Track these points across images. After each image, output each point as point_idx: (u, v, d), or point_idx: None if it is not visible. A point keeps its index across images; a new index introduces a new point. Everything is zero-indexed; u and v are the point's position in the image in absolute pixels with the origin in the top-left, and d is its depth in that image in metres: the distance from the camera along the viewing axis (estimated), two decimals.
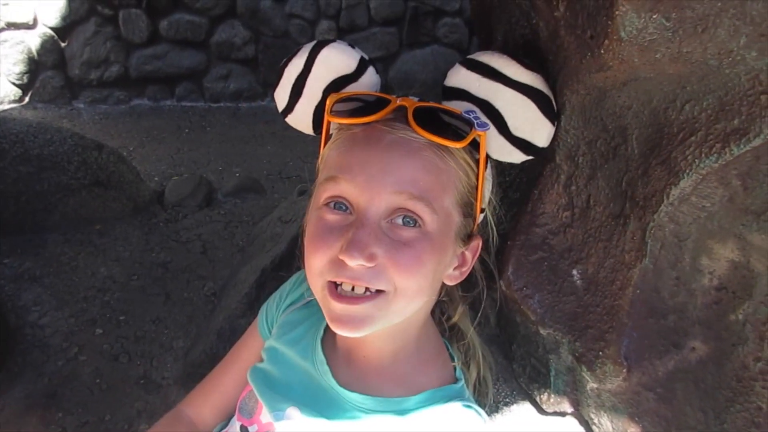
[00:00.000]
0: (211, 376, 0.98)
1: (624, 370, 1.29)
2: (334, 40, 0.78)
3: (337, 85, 0.76)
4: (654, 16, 0.79)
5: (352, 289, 0.67)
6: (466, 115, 0.68)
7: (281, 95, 0.81)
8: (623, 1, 0.80)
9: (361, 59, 0.76)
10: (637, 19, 0.80)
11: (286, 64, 0.78)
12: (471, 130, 0.66)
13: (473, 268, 0.81)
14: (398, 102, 0.68)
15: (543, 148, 0.75)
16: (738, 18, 0.76)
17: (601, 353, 1.31)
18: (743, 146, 0.89)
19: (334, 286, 0.67)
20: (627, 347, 1.28)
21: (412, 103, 0.67)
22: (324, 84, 0.77)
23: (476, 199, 0.72)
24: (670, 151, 1.02)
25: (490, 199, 0.80)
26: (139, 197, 2.97)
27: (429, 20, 5.22)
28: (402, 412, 0.75)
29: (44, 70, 4.38)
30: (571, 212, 1.30)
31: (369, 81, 0.76)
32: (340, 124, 0.71)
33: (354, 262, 0.63)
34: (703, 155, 0.96)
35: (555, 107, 0.74)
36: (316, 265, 0.68)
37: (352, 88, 0.75)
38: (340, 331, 0.69)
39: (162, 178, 3.55)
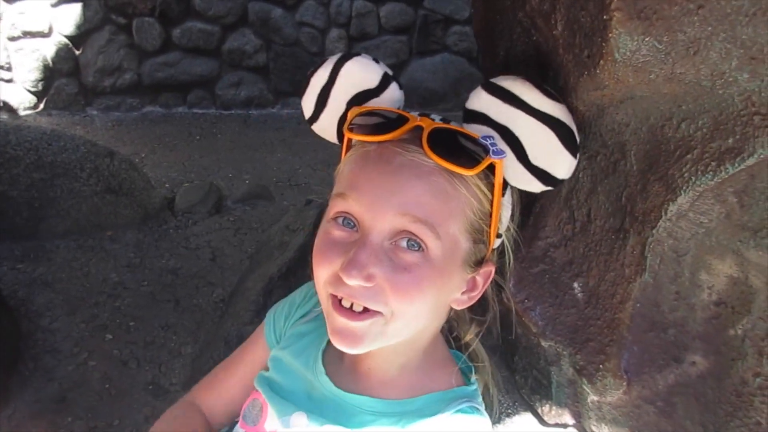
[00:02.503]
0: (217, 376, 0.98)
1: (624, 384, 1.30)
2: (359, 54, 0.77)
3: (360, 98, 0.75)
4: (646, 39, 0.81)
5: (351, 306, 0.68)
6: (483, 141, 0.67)
7: (308, 104, 0.81)
8: (617, 24, 0.82)
9: (384, 74, 0.75)
10: (630, 41, 0.82)
11: (312, 74, 0.79)
12: (485, 156, 0.65)
13: (486, 292, 0.79)
14: (417, 122, 0.67)
15: (563, 180, 0.72)
16: (729, 41, 0.77)
17: (601, 366, 1.32)
18: (738, 165, 0.90)
19: (338, 300, 0.68)
20: (627, 361, 1.29)
21: (429, 123, 0.67)
22: (347, 97, 0.76)
23: (489, 226, 0.70)
24: (667, 167, 1.03)
25: (508, 225, 0.78)
26: (150, 204, 3.01)
27: (439, 28, 5.24)
28: (407, 414, 0.75)
29: (59, 77, 4.46)
30: (572, 226, 1.31)
31: (391, 96, 0.75)
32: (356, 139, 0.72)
33: (351, 281, 0.64)
34: (699, 173, 0.97)
35: (577, 139, 0.70)
36: (321, 277, 0.69)
37: (374, 103, 0.75)
38: (339, 346, 0.70)
39: (173, 184, 3.60)
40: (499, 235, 0.74)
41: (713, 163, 0.94)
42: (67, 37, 4.42)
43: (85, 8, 4.38)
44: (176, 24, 4.64)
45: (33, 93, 4.41)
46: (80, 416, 1.92)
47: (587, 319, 1.33)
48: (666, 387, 1.28)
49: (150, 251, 2.77)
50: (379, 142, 0.67)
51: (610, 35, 0.82)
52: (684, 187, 1.02)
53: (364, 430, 0.75)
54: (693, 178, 0.99)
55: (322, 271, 0.69)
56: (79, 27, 4.42)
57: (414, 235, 0.64)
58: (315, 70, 0.78)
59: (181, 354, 2.22)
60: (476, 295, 0.75)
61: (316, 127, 0.82)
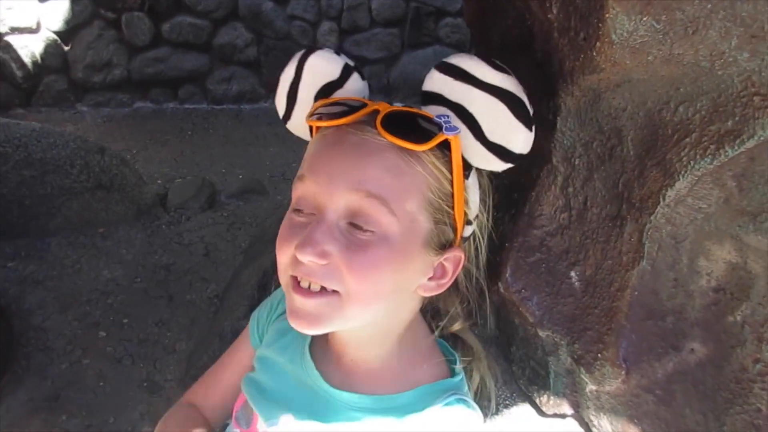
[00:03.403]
0: (207, 378, 0.98)
1: (623, 372, 1.29)
2: (321, 48, 0.77)
3: (325, 91, 0.75)
4: (644, 19, 0.79)
5: (309, 286, 0.67)
6: (437, 120, 0.67)
7: (280, 103, 0.82)
8: (614, 3, 0.80)
9: (345, 65, 0.75)
10: (627, 21, 0.80)
11: (280, 73, 0.79)
12: (438, 133, 0.65)
13: (460, 282, 0.78)
14: (375, 106, 0.68)
15: (521, 155, 0.72)
16: (728, 20, 0.76)
17: (599, 355, 1.31)
18: (737, 147, 0.89)
19: (297, 281, 0.67)
20: (625, 349, 1.28)
21: (386, 107, 0.67)
22: (314, 91, 0.76)
23: (453, 208, 0.70)
24: (665, 152, 1.02)
25: (480, 214, 0.78)
26: (142, 200, 2.98)
27: (431, 21, 5.21)
28: (397, 410, 0.74)
29: (48, 73, 4.40)
30: (569, 214, 1.30)
31: (354, 87, 0.75)
32: (318, 127, 0.71)
33: (305, 258, 0.64)
34: (697, 157, 0.96)
35: (530, 111, 0.69)
36: (282, 262, 0.69)
37: (338, 94, 0.75)
38: (296, 326, 0.69)
39: (165, 180, 3.56)
40: (469, 222, 0.73)
41: (712, 147, 0.93)
42: (55, 32, 4.36)
43: (73, 3, 4.32)
44: (166, 19, 4.59)
45: (22, 89, 4.35)
46: (75, 414, 1.90)
47: (585, 308, 1.32)
48: (665, 375, 1.27)
49: (143, 248, 2.74)
50: (337, 126, 0.68)
51: (607, 15, 0.81)
52: (682, 172, 1.01)
53: (352, 425, 0.74)
54: (691, 163, 0.98)
55: (283, 256, 0.69)
56: (67, 22, 4.36)
57: (367, 213, 0.64)
58: (283, 68, 0.78)
59: (176, 350, 2.20)
60: (446, 282, 0.73)
61: (290, 125, 0.82)
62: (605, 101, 1.08)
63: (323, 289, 0.66)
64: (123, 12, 4.46)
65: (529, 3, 1.09)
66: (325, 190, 0.65)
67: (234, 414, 0.85)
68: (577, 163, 1.22)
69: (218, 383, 0.96)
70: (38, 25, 4.32)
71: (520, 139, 0.69)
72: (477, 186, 0.74)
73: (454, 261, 0.73)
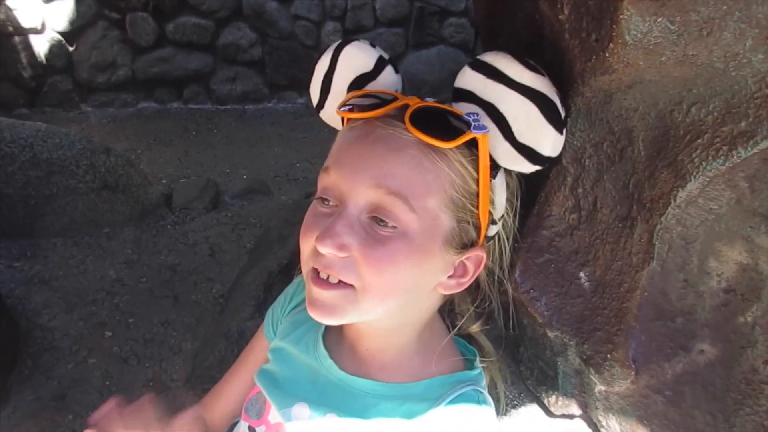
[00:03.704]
0: (223, 380, 0.99)
1: (632, 373, 1.29)
2: (357, 39, 0.77)
3: (358, 83, 0.76)
4: (658, 20, 0.79)
5: (327, 277, 0.67)
6: (466, 117, 0.66)
7: (314, 92, 0.82)
8: (628, 4, 0.80)
9: (380, 58, 0.75)
10: (641, 22, 0.80)
11: (316, 62, 0.79)
12: (466, 131, 0.65)
13: (482, 281, 0.78)
14: (405, 100, 0.67)
15: (550, 158, 0.71)
16: (743, 21, 0.75)
17: (608, 356, 1.31)
18: (750, 149, 0.89)
19: (317, 273, 0.67)
20: (635, 350, 1.28)
21: (417, 102, 0.67)
22: (347, 82, 0.76)
23: (477, 207, 0.70)
24: (676, 153, 1.01)
25: (506, 216, 0.77)
26: (147, 200, 2.99)
27: (435, 20, 5.21)
28: (411, 398, 0.74)
29: (52, 74, 4.41)
30: (578, 214, 1.30)
31: (388, 80, 0.75)
32: (348, 119, 0.71)
33: (324, 250, 0.64)
34: (710, 158, 0.96)
35: (561, 113, 0.68)
36: (304, 252, 0.70)
37: (371, 87, 0.75)
38: (313, 315, 0.70)
39: (169, 180, 3.57)
40: (494, 222, 0.73)
41: (724, 148, 0.93)
42: (60, 33, 4.37)
43: (77, 4, 4.33)
44: (170, 19, 4.60)
45: (27, 90, 4.36)
46: (81, 414, 1.90)
47: (594, 308, 1.32)
48: (674, 376, 1.27)
49: (148, 248, 2.75)
50: (366, 119, 0.68)
51: (621, 17, 0.80)
52: (694, 173, 1.00)
53: (367, 412, 0.74)
54: (703, 164, 0.98)
55: (306, 245, 0.69)
56: (72, 23, 4.37)
57: (388, 209, 0.64)
58: (318, 58, 0.79)
59: (182, 350, 2.20)
60: (466, 281, 0.73)
61: (324, 115, 0.83)
62: (616, 102, 1.07)
63: (341, 281, 0.66)
64: (127, 12, 4.47)
65: (540, 4, 1.09)
66: (348, 183, 0.65)
67: (244, 406, 0.86)
68: (587, 163, 1.22)
69: (229, 391, 0.96)
70: (43, 25, 4.33)
71: (549, 141, 0.69)
72: (504, 186, 0.73)
73: (475, 261, 0.72)
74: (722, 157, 0.94)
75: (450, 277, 0.72)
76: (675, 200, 1.07)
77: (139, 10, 4.48)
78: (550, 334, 1.38)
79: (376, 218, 0.65)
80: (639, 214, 1.17)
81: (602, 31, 0.89)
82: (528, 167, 0.71)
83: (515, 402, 1.51)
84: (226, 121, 4.72)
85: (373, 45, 0.76)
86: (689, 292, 1.21)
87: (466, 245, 0.71)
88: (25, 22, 4.23)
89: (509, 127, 0.68)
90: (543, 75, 0.68)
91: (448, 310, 0.84)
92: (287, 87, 4.94)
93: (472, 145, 0.66)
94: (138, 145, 4.11)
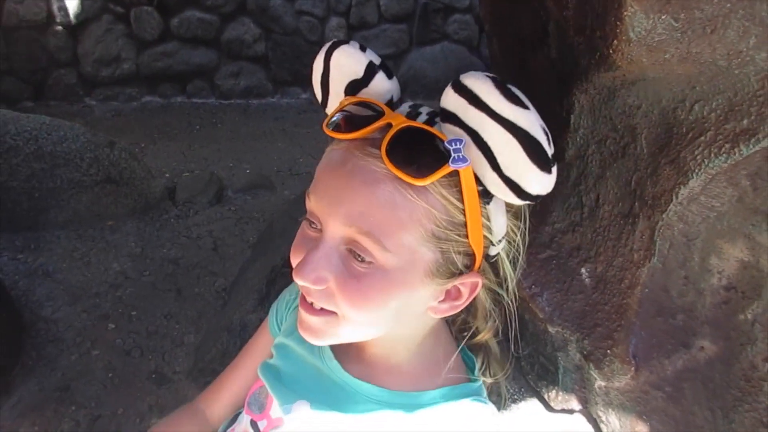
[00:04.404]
0: (224, 374, 0.99)
1: (632, 369, 1.30)
2: (347, 42, 0.72)
3: (353, 86, 0.72)
4: (663, 17, 0.79)
5: (312, 303, 0.67)
6: (448, 146, 0.61)
7: (316, 89, 0.79)
8: (632, 2, 0.80)
9: (369, 64, 0.71)
10: (645, 19, 0.81)
11: (313, 62, 0.77)
12: (444, 164, 0.60)
13: (484, 300, 0.75)
14: (388, 119, 0.63)
15: (539, 196, 0.64)
16: (747, 19, 0.76)
17: (609, 351, 1.32)
18: (753, 146, 0.89)
19: (304, 296, 0.68)
20: (635, 346, 1.29)
21: (401, 121, 0.62)
22: (343, 85, 0.73)
23: (466, 236, 0.65)
24: (679, 150, 1.02)
25: (510, 238, 0.70)
26: (151, 194, 2.99)
27: (439, 17, 5.20)
28: (413, 407, 0.74)
29: (57, 67, 4.42)
30: (581, 211, 1.30)
31: (380, 87, 0.71)
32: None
33: (301, 282, 0.64)
34: (712, 155, 0.96)
35: (548, 152, 0.61)
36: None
37: (364, 94, 0.71)
38: (303, 336, 0.71)
39: (173, 174, 3.58)
40: (493, 244, 0.69)
41: (727, 145, 0.93)
42: (65, 26, 4.38)
43: None
44: (174, 13, 4.60)
45: (31, 83, 4.37)
46: (84, 405, 1.91)
47: (595, 304, 1.33)
48: (674, 372, 1.28)
49: (151, 241, 2.76)
50: (348, 141, 0.65)
51: (625, 14, 0.81)
52: (696, 171, 1.01)
53: (368, 416, 0.74)
54: (705, 161, 0.98)
55: (294, 264, 0.69)
56: (77, 16, 4.38)
57: (363, 247, 0.62)
58: (314, 58, 0.76)
59: (184, 343, 2.21)
60: (460, 305, 0.70)
61: (329, 111, 0.80)
62: (620, 99, 1.08)
63: (323, 309, 0.66)
64: (132, 6, 4.47)
65: (545, 1, 1.09)
66: (324, 216, 0.65)
67: (246, 400, 0.86)
68: (590, 160, 1.23)
69: (230, 384, 0.97)
70: (48, 18, 4.33)
71: (533, 179, 0.63)
72: (502, 209, 0.69)
73: (470, 286, 0.69)
74: (724, 155, 0.94)
75: (442, 301, 0.70)
76: (677, 197, 1.08)
77: (143, 5, 4.49)
78: (551, 329, 1.39)
79: (352, 251, 0.64)
80: (641, 210, 1.18)
81: (607, 27, 0.90)
82: (516, 201, 0.65)
83: (516, 397, 1.52)
84: (230, 115, 4.72)
85: (363, 49, 0.72)
86: (690, 289, 1.22)
87: (455, 273, 0.68)
88: (30, 15, 4.23)
89: (494, 158, 0.63)
90: (526, 108, 0.61)
91: (458, 320, 0.83)
92: (291, 82, 4.94)
93: (456, 174, 0.62)
94: (142, 139, 4.11)
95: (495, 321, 0.79)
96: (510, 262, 0.73)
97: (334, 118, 0.68)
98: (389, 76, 0.72)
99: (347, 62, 0.71)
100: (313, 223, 0.66)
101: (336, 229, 0.63)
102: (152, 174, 3.12)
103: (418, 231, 0.62)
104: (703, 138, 0.97)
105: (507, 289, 0.76)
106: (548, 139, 0.62)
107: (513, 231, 0.71)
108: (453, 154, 0.60)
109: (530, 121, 0.61)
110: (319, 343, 0.71)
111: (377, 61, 0.71)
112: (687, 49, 0.83)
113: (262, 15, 4.83)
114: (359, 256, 0.63)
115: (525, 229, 0.73)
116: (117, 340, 2.18)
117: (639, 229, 1.20)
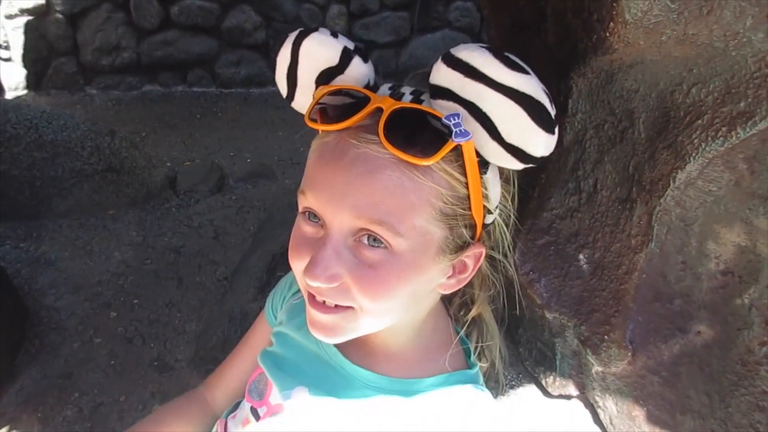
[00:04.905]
0: (225, 361, 1.00)
1: (629, 354, 1.30)
2: (316, 29, 0.70)
3: (326, 75, 0.70)
4: None
5: (324, 301, 0.66)
6: (446, 121, 0.60)
7: (281, 83, 0.76)
8: None
9: (344, 50, 0.68)
10: (641, 1, 0.80)
11: (277, 54, 0.75)
12: (447, 140, 0.59)
13: (484, 267, 0.75)
14: (377, 103, 0.62)
15: (543, 157, 0.65)
16: None
17: (606, 337, 1.32)
18: (749, 129, 0.88)
19: (313, 296, 0.66)
20: (632, 331, 1.29)
21: (390, 104, 0.61)
22: (314, 75, 0.70)
23: (470, 209, 0.66)
24: (676, 134, 1.01)
25: (502, 204, 0.71)
26: (152, 183, 3.00)
27: (440, 4, 5.17)
28: (411, 393, 0.75)
29: (57, 56, 4.41)
30: (578, 197, 1.30)
31: (357, 72, 0.69)
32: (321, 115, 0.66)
33: (314, 283, 0.62)
34: (709, 139, 0.96)
35: (551, 113, 0.62)
36: (296, 270, 0.68)
37: (339, 81, 0.69)
38: (316, 335, 0.69)
39: (174, 163, 3.58)
40: (490, 212, 0.69)
41: (724, 129, 0.93)
42: (64, 15, 4.37)
43: None
44: (175, 1, 4.58)
45: (31, 72, 4.37)
46: (86, 392, 1.93)
47: (592, 290, 1.33)
48: (671, 357, 1.28)
49: (152, 230, 2.76)
50: (339, 131, 0.63)
51: None
52: (693, 154, 1.01)
53: (366, 401, 0.75)
54: (703, 145, 0.98)
55: (297, 265, 0.67)
56: (76, 5, 4.36)
57: (374, 233, 0.61)
58: (279, 49, 0.72)
59: (185, 331, 2.22)
60: (466, 277, 0.70)
61: (295, 105, 0.77)
62: (617, 83, 1.07)
63: (338, 305, 0.65)
64: None
65: None
66: (328, 211, 0.63)
67: (247, 387, 0.87)
68: (587, 145, 1.22)
69: (231, 371, 0.97)
70: (48, 7, 4.32)
71: (540, 142, 0.63)
72: (497, 177, 0.70)
73: (474, 257, 0.70)
74: (721, 138, 0.94)
75: (450, 276, 0.70)
76: (674, 182, 1.08)
77: None
78: (549, 315, 1.39)
79: (362, 241, 0.62)
80: (639, 195, 1.17)
81: (603, 10, 0.89)
82: (519, 165, 0.65)
83: (513, 383, 1.53)
84: (231, 104, 4.71)
85: (335, 35, 0.70)
86: (687, 274, 1.22)
87: (461, 247, 0.68)
88: (30, 3, 4.22)
89: (495, 128, 0.63)
90: (527, 73, 0.61)
91: (453, 296, 0.83)
92: None
93: (457, 149, 0.62)
94: (143, 128, 4.11)
95: (490, 290, 0.79)
96: (505, 225, 0.73)
97: (315, 108, 0.66)
98: (365, 60, 0.70)
99: (320, 50, 0.69)
100: (313, 218, 0.65)
101: (343, 223, 0.62)
102: (153, 163, 3.12)
103: (428, 211, 0.62)
104: (700, 121, 0.96)
105: (504, 254, 0.76)
106: (550, 99, 0.62)
107: (504, 196, 0.72)
108: (454, 129, 0.60)
109: (533, 85, 0.61)
110: (335, 341, 0.69)
111: (351, 46, 0.70)
112: (683, 30, 0.82)
113: (263, 3, 4.80)
114: (375, 242, 0.61)
115: (515, 191, 0.73)
116: (119, 328, 2.20)
117: (637, 214, 1.20)
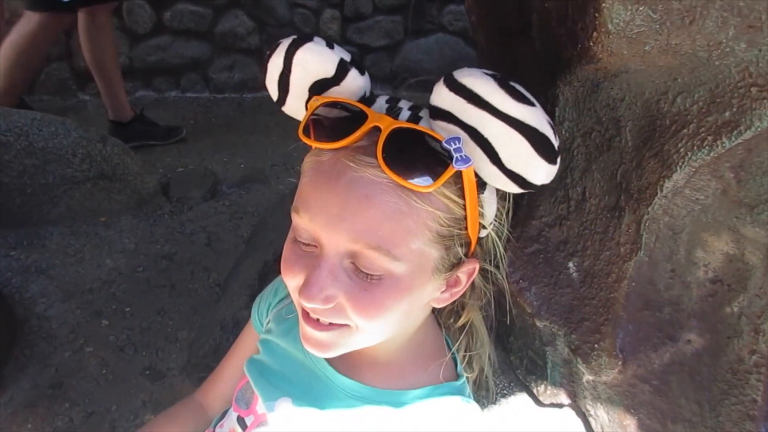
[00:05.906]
0: (217, 368, 1.01)
1: (619, 363, 1.30)
2: (310, 39, 0.69)
3: (320, 85, 0.69)
4: (640, 8, 0.78)
5: (318, 319, 0.66)
6: (446, 146, 0.59)
7: (271, 88, 0.75)
8: None
9: (341, 61, 0.67)
10: (623, 11, 0.80)
11: (267, 59, 0.74)
12: (448, 166, 0.59)
13: (476, 281, 0.75)
14: (375, 121, 0.60)
15: (543, 185, 0.64)
16: (725, 9, 0.75)
17: (596, 345, 1.31)
18: (735, 138, 0.88)
19: (307, 313, 0.66)
20: (622, 340, 1.28)
21: (388, 124, 0.60)
22: (307, 84, 0.69)
23: (466, 228, 0.66)
24: (662, 143, 1.01)
25: (497, 219, 0.71)
26: (144, 189, 2.98)
27: (434, 8, 5.16)
28: (397, 404, 0.74)
29: (49, 62, 4.40)
30: (567, 205, 1.30)
31: (353, 85, 0.67)
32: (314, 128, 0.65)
33: (310, 305, 0.62)
34: (695, 148, 0.96)
35: (555, 144, 0.61)
36: (289, 286, 0.68)
37: (335, 93, 0.68)
38: (310, 351, 0.70)
39: (167, 170, 3.56)
40: (484, 227, 0.69)
41: (709, 138, 0.92)
42: None
43: None
44: (167, 6, 4.56)
45: None
46: (77, 402, 1.92)
47: (582, 298, 1.33)
48: (661, 365, 1.27)
49: (145, 237, 2.75)
50: (335, 150, 0.62)
51: (603, 5, 0.80)
52: (680, 163, 1.00)
53: (350, 411, 0.74)
54: (689, 154, 0.97)
55: (290, 282, 0.67)
56: None
57: (369, 260, 0.61)
58: (269, 57, 0.71)
59: (178, 339, 2.21)
60: (459, 290, 0.71)
61: (286, 110, 0.76)
62: (603, 91, 1.07)
63: (332, 323, 0.65)
64: None
65: None
66: (323, 233, 0.62)
67: (234, 395, 0.86)
68: (575, 153, 1.22)
69: (223, 375, 0.98)
70: None
71: (541, 171, 0.62)
72: (494, 195, 0.69)
73: (468, 272, 0.70)
74: (707, 147, 0.94)
75: (443, 291, 0.70)
76: (662, 190, 1.07)
77: None
78: (539, 324, 1.39)
79: (358, 264, 0.62)
80: (627, 204, 1.17)
81: (586, 19, 0.89)
82: (517, 190, 0.65)
83: (504, 391, 1.52)
84: (224, 109, 4.69)
85: (331, 45, 0.68)
86: (676, 282, 1.21)
87: (456, 264, 0.68)
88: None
89: (496, 153, 0.62)
90: (533, 105, 0.60)
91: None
92: None
93: (457, 173, 0.61)
94: None
95: (481, 300, 0.79)
96: (498, 238, 0.73)
97: (310, 119, 0.65)
98: (362, 73, 0.69)
99: (315, 60, 0.68)
100: (303, 241, 0.64)
101: (339, 245, 0.61)
102: (145, 169, 3.10)
103: (425, 235, 0.62)
104: (685, 130, 0.96)
105: (496, 265, 0.76)
106: (554, 131, 0.61)
107: (500, 211, 0.71)
108: (455, 155, 0.59)
109: (538, 117, 0.60)
110: (329, 356, 0.69)
111: (347, 57, 0.68)
112: (666, 40, 0.82)
113: (256, 7, 4.79)
114: (366, 270, 0.61)
115: (509, 206, 0.73)
116: (110, 337, 2.18)
117: (625, 222, 1.20)
